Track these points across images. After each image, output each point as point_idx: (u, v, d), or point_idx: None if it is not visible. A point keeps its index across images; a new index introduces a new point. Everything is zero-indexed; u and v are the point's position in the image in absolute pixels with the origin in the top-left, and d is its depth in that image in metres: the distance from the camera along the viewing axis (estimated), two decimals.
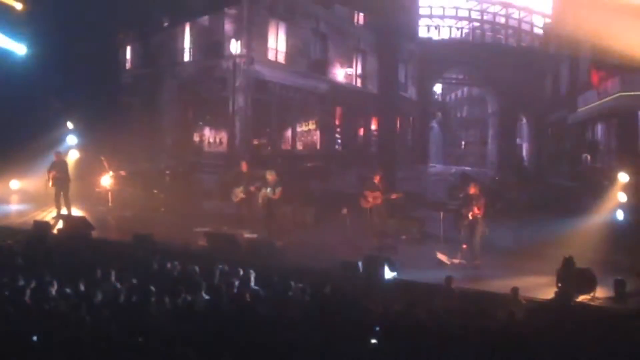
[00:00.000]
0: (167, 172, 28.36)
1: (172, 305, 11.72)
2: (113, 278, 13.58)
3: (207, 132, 38.77)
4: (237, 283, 13.64)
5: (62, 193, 23.91)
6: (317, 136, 41.95)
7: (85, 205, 25.26)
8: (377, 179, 21.34)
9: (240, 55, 34.03)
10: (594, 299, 15.23)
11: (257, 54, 35.60)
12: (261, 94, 36.26)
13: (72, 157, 25.55)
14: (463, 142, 78.09)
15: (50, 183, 23.99)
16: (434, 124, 72.86)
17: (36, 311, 10.97)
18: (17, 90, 25.82)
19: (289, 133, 40.40)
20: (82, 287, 12.73)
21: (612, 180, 20.95)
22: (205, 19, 37.94)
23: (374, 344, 10.19)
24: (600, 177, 24.82)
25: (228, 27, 36.36)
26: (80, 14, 26.28)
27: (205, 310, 11.68)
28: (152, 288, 12.31)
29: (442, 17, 60.52)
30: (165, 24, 35.30)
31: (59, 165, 24.17)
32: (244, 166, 22.95)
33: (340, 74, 43.17)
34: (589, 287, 15.41)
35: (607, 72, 33.61)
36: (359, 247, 19.69)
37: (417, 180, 36.95)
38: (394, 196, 21.40)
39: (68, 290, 12.39)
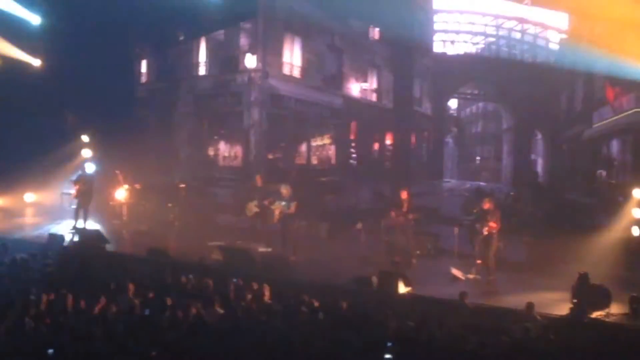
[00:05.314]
0: (182, 185, 28.32)
1: (186, 319, 11.71)
2: (130, 293, 13.59)
3: (222, 146, 38.73)
4: (250, 297, 13.63)
5: (83, 206, 24.08)
6: (331, 150, 41.82)
7: (100, 218, 25.32)
8: (404, 196, 21.23)
9: (255, 70, 34.09)
10: (608, 315, 15.17)
11: (272, 69, 35.59)
12: (276, 108, 36.20)
13: (88, 170, 25.63)
14: (478, 158, 77.85)
15: (75, 194, 24.22)
16: (449, 139, 72.71)
17: (52, 324, 10.99)
18: (32, 103, 25.96)
19: (303, 147, 40.30)
20: (97, 301, 12.73)
21: (627, 196, 20.87)
22: (221, 34, 37.92)
23: (388, 359, 10.16)
24: (616, 193, 24.71)
25: (244, 41, 36.38)
26: (95, 28, 26.38)
27: (219, 324, 11.67)
28: (166, 301, 12.33)
29: (457, 32, 60.52)
30: (181, 38, 35.33)
31: (86, 179, 24.41)
32: (258, 180, 22.97)
33: (355, 88, 43.09)
34: (604, 303, 15.35)
35: (623, 88, 33.61)
36: (373, 262, 19.68)
37: (432, 195, 36.84)
38: (411, 216, 21.31)
39: (83, 303, 12.41)
